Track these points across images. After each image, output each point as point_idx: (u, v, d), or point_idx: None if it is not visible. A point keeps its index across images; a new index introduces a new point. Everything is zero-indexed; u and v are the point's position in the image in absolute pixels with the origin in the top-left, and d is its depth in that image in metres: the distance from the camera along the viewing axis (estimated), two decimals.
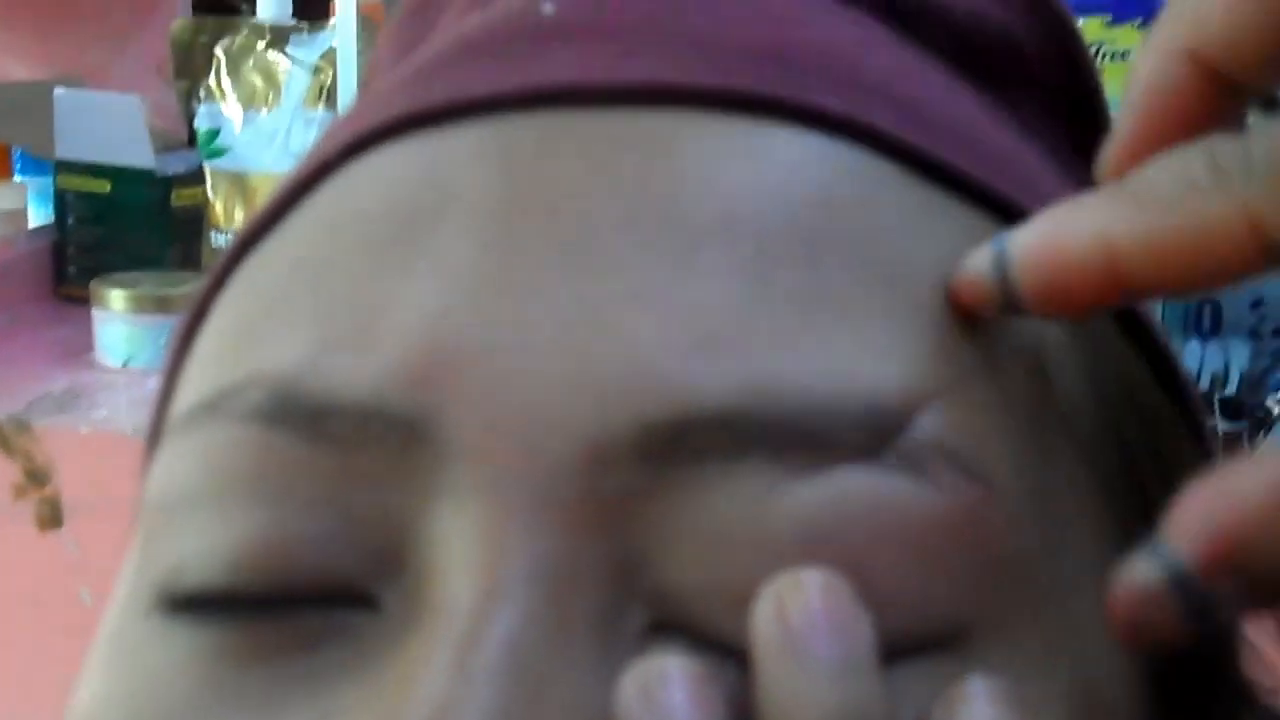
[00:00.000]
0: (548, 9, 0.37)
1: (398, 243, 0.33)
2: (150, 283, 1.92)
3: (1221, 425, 2.27)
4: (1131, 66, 0.32)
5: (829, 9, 0.39)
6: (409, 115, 0.35)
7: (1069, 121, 0.42)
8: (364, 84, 0.44)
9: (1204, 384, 1.51)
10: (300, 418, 0.32)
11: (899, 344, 0.32)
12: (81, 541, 1.46)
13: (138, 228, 2.14)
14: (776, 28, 0.37)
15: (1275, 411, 2.26)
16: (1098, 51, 1.72)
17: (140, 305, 1.90)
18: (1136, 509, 0.35)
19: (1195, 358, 1.50)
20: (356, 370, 0.31)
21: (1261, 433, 2.27)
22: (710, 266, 0.31)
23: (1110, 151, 0.32)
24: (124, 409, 1.65)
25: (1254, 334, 1.52)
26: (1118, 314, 0.37)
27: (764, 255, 0.32)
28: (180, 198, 2.17)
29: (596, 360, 0.31)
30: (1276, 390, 1.60)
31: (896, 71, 0.37)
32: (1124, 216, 0.30)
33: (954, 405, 0.32)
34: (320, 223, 0.35)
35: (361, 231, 0.34)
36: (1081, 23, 1.73)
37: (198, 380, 0.35)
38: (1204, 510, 0.29)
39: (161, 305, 1.79)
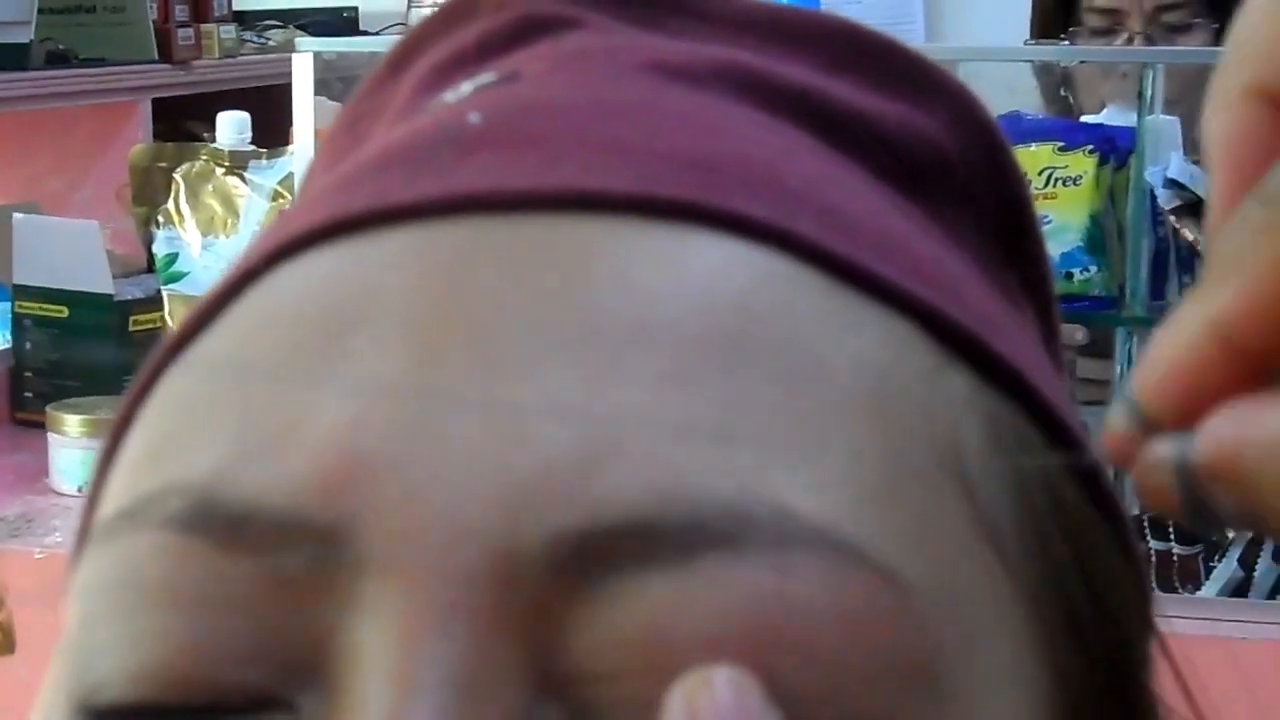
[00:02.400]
0: (474, 119, 0.37)
1: (317, 350, 0.33)
2: (107, 408, 1.91)
3: (1176, 549, 2.28)
4: (1206, 133, 0.32)
5: (755, 120, 0.39)
6: (332, 222, 0.35)
7: (998, 232, 0.42)
8: (295, 198, 0.45)
9: None
10: (217, 526, 0.32)
11: (813, 452, 0.32)
12: (34, 667, 1.45)
13: (95, 353, 2.13)
14: (701, 137, 0.37)
15: (1230, 535, 2.26)
16: (1049, 177, 1.74)
17: (96, 430, 1.90)
18: (1061, 623, 0.35)
19: None
20: (274, 479, 0.32)
21: (1216, 556, 2.28)
22: (627, 374, 0.32)
23: (1211, 220, 0.32)
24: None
25: None
26: (1048, 427, 0.37)
27: (682, 363, 0.32)
28: (138, 322, 2.17)
29: (509, 470, 0.31)
30: None
31: (821, 180, 0.37)
32: (1218, 294, 0.29)
33: (867, 512, 0.32)
34: (242, 330, 0.35)
35: (282, 338, 0.34)
36: (1033, 148, 1.75)
37: (120, 488, 0.35)
38: (1228, 421, 0.29)
39: None
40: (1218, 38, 2.38)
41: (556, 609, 0.31)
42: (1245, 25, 0.32)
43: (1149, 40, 2.38)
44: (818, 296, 0.34)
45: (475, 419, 0.31)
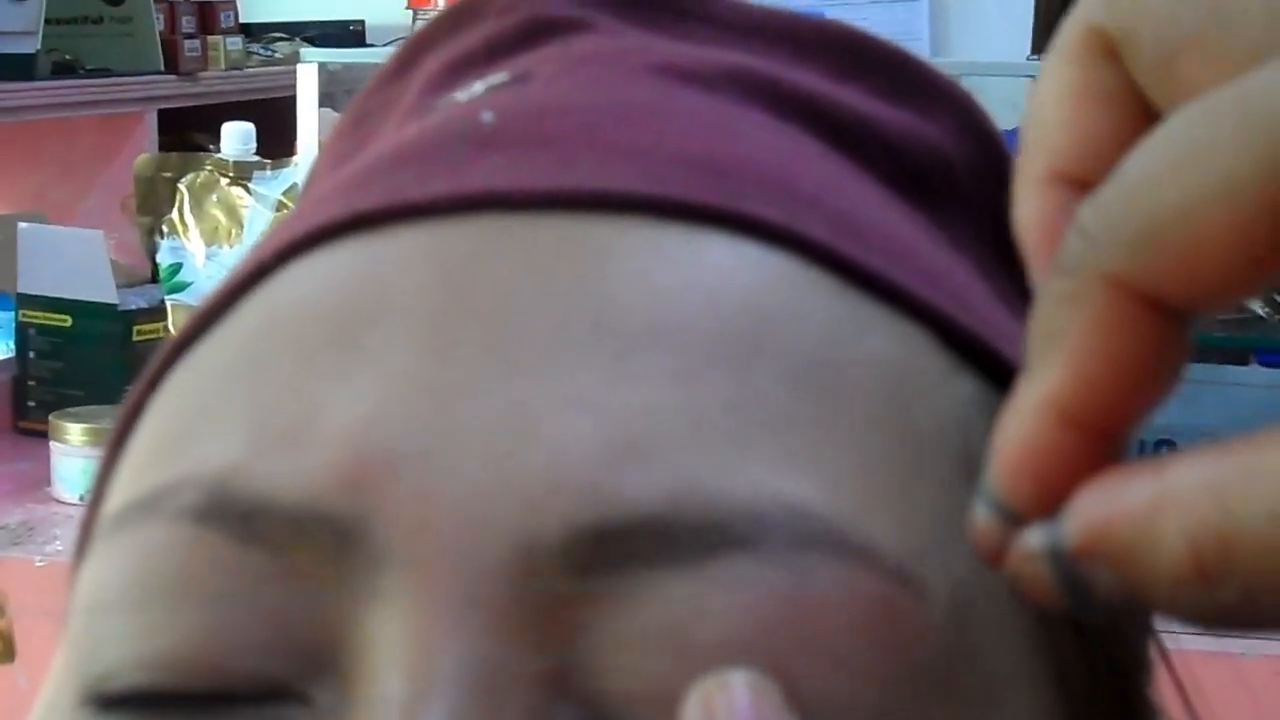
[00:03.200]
0: (487, 118, 0.37)
1: (332, 345, 0.33)
2: (110, 418, 1.91)
3: None
4: (1015, 220, 0.32)
5: (764, 124, 0.39)
6: (345, 219, 0.35)
7: (998, 241, 0.42)
8: (301, 196, 0.45)
9: None
10: (233, 518, 0.32)
11: (827, 453, 0.32)
12: (34, 675, 1.45)
13: (98, 362, 2.13)
14: (712, 140, 0.37)
15: None
16: None
17: (98, 439, 1.90)
18: (1064, 628, 0.35)
19: None
20: (290, 472, 0.32)
21: None
22: (641, 373, 0.32)
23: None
24: None
25: None
26: None
27: (695, 362, 0.32)
28: (142, 333, 2.17)
29: (526, 465, 0.31)
30: None
31: (829, 185, 0.38)
32: (1046, 375, 0.29)
33: (881, 513, 0.32)
34: (255, 325, 0.35)
35: (296, 333, 0.34)
36: None
37: (130, 481, 0.35)
38: (1093, 499, 0.29)
39: None
40: None
41: (573, 606, 0.31)
42: (1036, 109, 0.32)
43: None
44: (830, 299, 0.35)
45: (492, 414, 0.31)
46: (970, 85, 0.44)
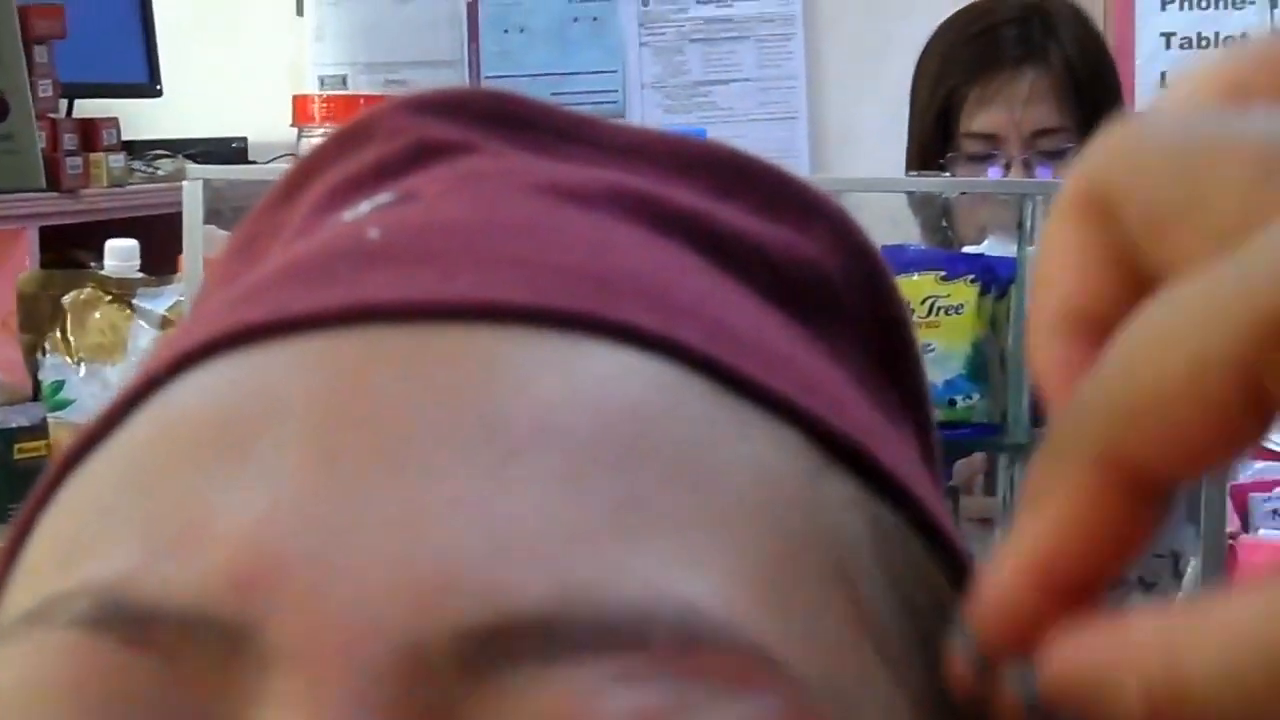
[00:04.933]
0: (373, 234, 0.39)
1: (223, 452, 0.34)
2: None
3: None
4: (1032, 369, 0.35)
5: (643, 238, 0.40)
6: (233, 332, 0.36)
7: (877, 353, 0.43)
8: (190, 314, 0.45)
9: None
10: (124, 624, 0.32)
11: (712, 553, 0.33)
12: None
13: None
14: (593, 253, 0.38)
15: None
16: (932, 305, 1.76)
17: None
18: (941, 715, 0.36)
19: None
20: (181, 577, 0.32)
21: None
22: (526, 475, 0.33)
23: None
24: None
25: None
26: (928, 535, 0.39)
27: (578, 465, 0.33)
28: (23, 450, 2.15)
29: (415, 567, 0.31)
30: None
31: (708, 296, 0.39)
32: (1031, 531, 0.32)
33: (764, 611, 0.33)
34: (146, 436, 0.36)
35: (187, 442, 0.35)
36: (916, 278, 1.77)
37: (22, 593, 0.35)
38: (1061, 651, 0.32)
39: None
40: None
41: (462, 704, 0.31)
42: (1043, 259, 0.35)
43: (1026, 165, 2.42)
44: (706, 404, 0.36)
45: (381, 517, 0.32)
46: (850, 202, 0.46)
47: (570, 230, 0.40)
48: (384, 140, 0.44)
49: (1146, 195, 0.32)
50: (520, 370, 0.35)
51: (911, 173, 2.45)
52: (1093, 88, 2.45)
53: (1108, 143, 0.33)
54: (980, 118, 2.44)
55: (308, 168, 0.46)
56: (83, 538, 0.35)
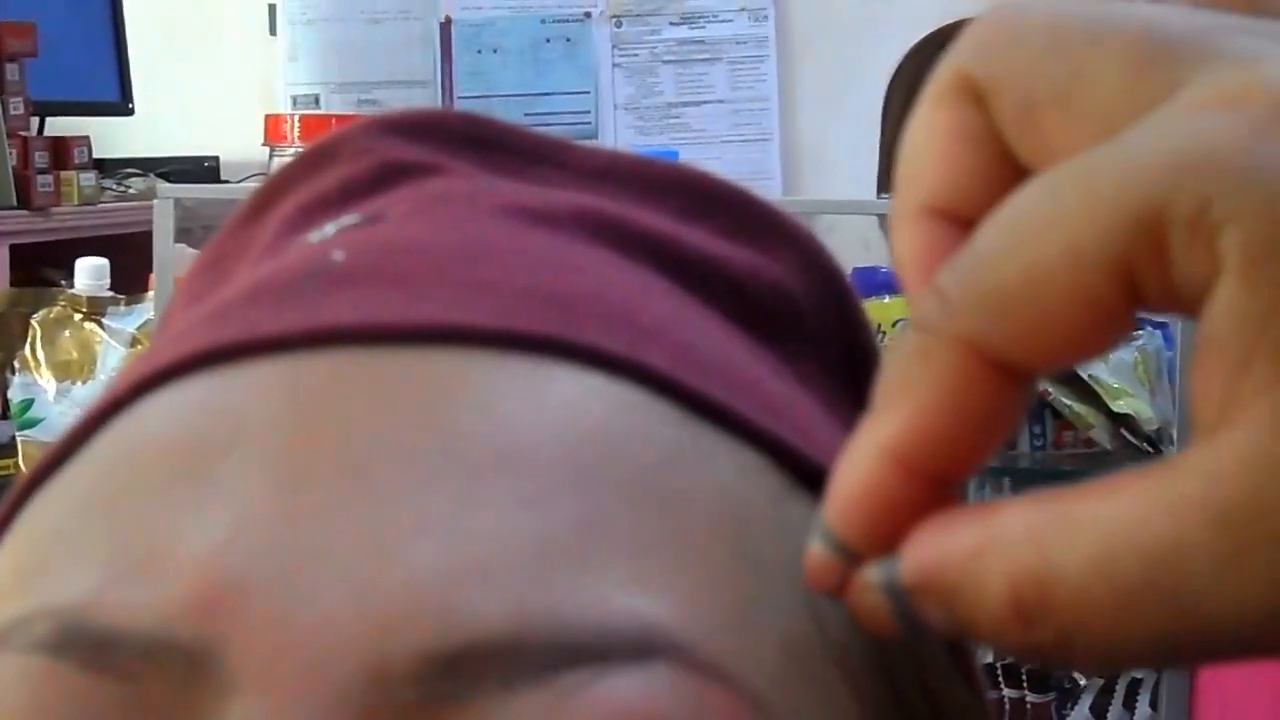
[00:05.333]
0: (338, 256, 0.38)
1: (186, 476, 0.34)
2: None
3: (1030, 696, 2.30)
4: (893, 253, 0.34)
5: (610, 261, 0.40)
6: (199, 353, 0.36)
7: (844, 376, 0.43)
8: (156, 334, 0.45)
9: None
10: (85, 649, 0.32)
11: (674, 575, 0.33)
12: None
13: None
14: (558, 275, 0.38)
15: (1082, 683, 2.29)
16: (903, 328, 1.77)
17: None
18: None
19: None
20: (142, 601, 0.32)
21: (1069, 704, 2.30)
22: (489, 498, 0.33)
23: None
24: None
25: None
26: None
27: (541, 488, 0.33)
28: None
29: (378, 590, 0.31)
30: None
31: (673, 319, 0.39)
32: (889, 421, 0.31)
33: (725, 632, 0.33)
34: (109, 459, 0.36)
35: (150, 466, 0.34)
36: (887, 300, 1.78)
37: None
38: (924, 541, 0.31)
39: None
40: None
41: None
42: (908, 149, 0.34)
43: None
44: (671, 427, 0.36)
45: (344, 541, 0.32)
46: (822, 225, 0.46)
47: (536, 252, 0.40)
48: (350, 161, 0.44)
49: (1021, 81, 0.32)
50: (485, 393, 0.35)
51: (884, 195, 2.46)
52: None
53: (982, 29, 0.33)
54: None
55: (275, 187, 0.46)
56: (44, 560, 0.34)
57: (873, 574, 0.32)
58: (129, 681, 0.32)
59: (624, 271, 0.40)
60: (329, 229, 0.41)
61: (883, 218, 2.35)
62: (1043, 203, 0.30)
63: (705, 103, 3.74)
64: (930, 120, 0.34)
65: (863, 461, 0.32)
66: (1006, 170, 0.32)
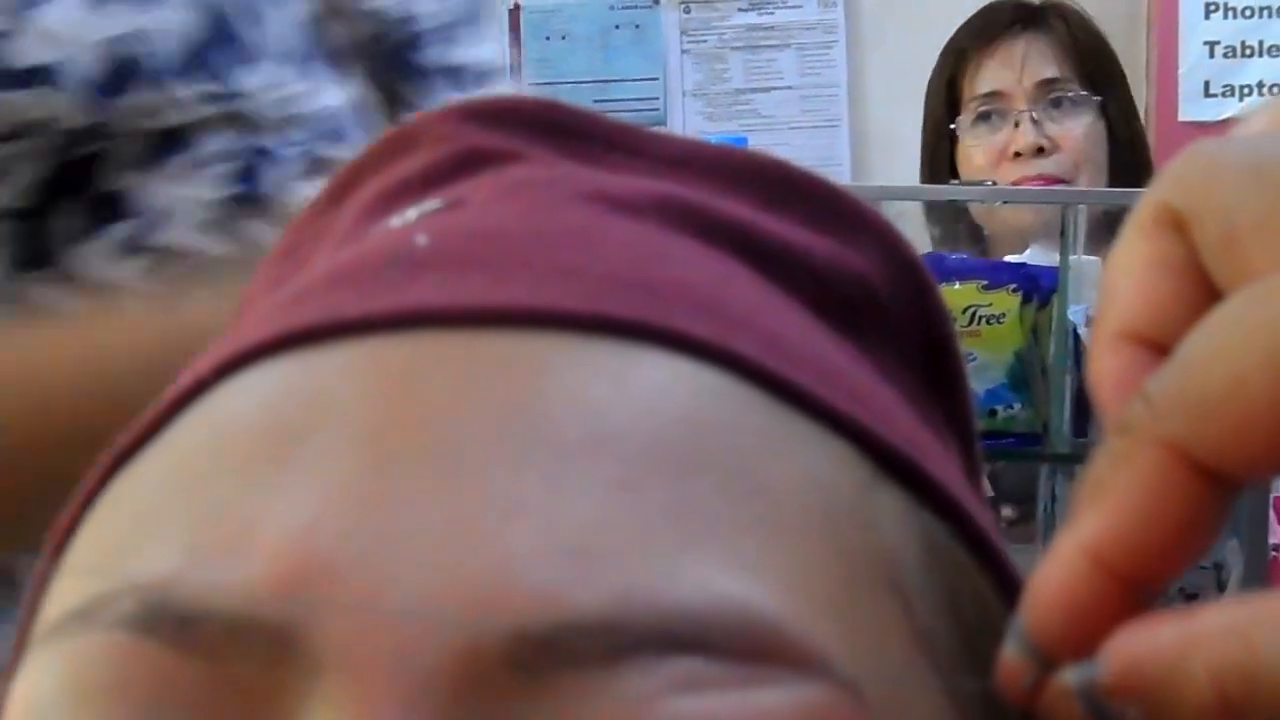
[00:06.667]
0: (421, 240, 0.38)
1: (271, 458, 0.34)
2: None
3: None
4: (1092, 377, 0.35)
5: (693, 249, 0.40)
6: (283, 335, 0.36)
7: (923, 368, 0.43)
8: (235, 319, 0.45)
9: None
10: (170, 627, 0.32)
11: (768, 562, 0.33)
12: None
13: None
14: (644, 262, 0.38)
15: None
16: (973, 315, 1.76)
17: None
18: None
19: None
20: (228, 579, 0.32)
21: None
22: (580, 482, 0.33)
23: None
24: None
25: None
26: (973, 543, 0.38)
27: (633, 471, 0.33)
28: None
29: (468, 572, 0.31)
30: None
31: (757, 307, 0.39)
32: (1090, 524, 0.32)
33: (821, 621, 0.33)
34: (194, 437, 0.36)
35: (235, 445, 0.34)
36: (958, 286, 1.77)
37: (66, 592, 0.35)
38: (1126, 640, 0.31)
39: None
40: (1102, 112, 2.43)
41: (518, 710, 0.31)
42: (1110, 276, 0.35)
43: (1036, 124, 2.42)
44: (760, 414, 0.36)
45: (432, 523, 0.32)
46: (890, 211, 0.46)
47: (620, 239, 0.39)
48: (432, 147, 0.44)
49: (1222, 211, 0.32)
50: (573, 377, 0.35)
51: (954, 181, 2.45)
52: (1094, 54, 2.46)
53: (1184, 164, 0.34)
54: (984, 78, 2.46)
55: (354, 172, 0.46)
56: (128, 538, 0.35)
57: (1070, 677, 0.32)
58: (214, 660, 0.32)
59: (708, 259, 0.40)
60: (411, 214, 0.41)
61: (928, 205, 2.35)
62: (1245, 312, 0.30)
63: (774, 89, 3.73)
64: (1132, 249, 0.34)
65: (1063, 565, 0.32)
66: (1205, 298, 0.33)
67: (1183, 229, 0.33)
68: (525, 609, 0.31)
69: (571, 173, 0.43)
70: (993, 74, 2.46)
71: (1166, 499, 0.31)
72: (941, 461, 0.40)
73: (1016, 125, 2.42)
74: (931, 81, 2.55)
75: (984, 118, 2.45)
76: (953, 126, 2.46)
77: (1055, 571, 0.32)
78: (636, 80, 3.82)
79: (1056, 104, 2.43)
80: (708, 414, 0.35)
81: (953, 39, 2.54)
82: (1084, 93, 2.43)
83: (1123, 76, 2.51)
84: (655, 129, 0.45)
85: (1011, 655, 0.33)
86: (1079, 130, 2.41)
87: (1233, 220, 0.32)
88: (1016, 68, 2.44)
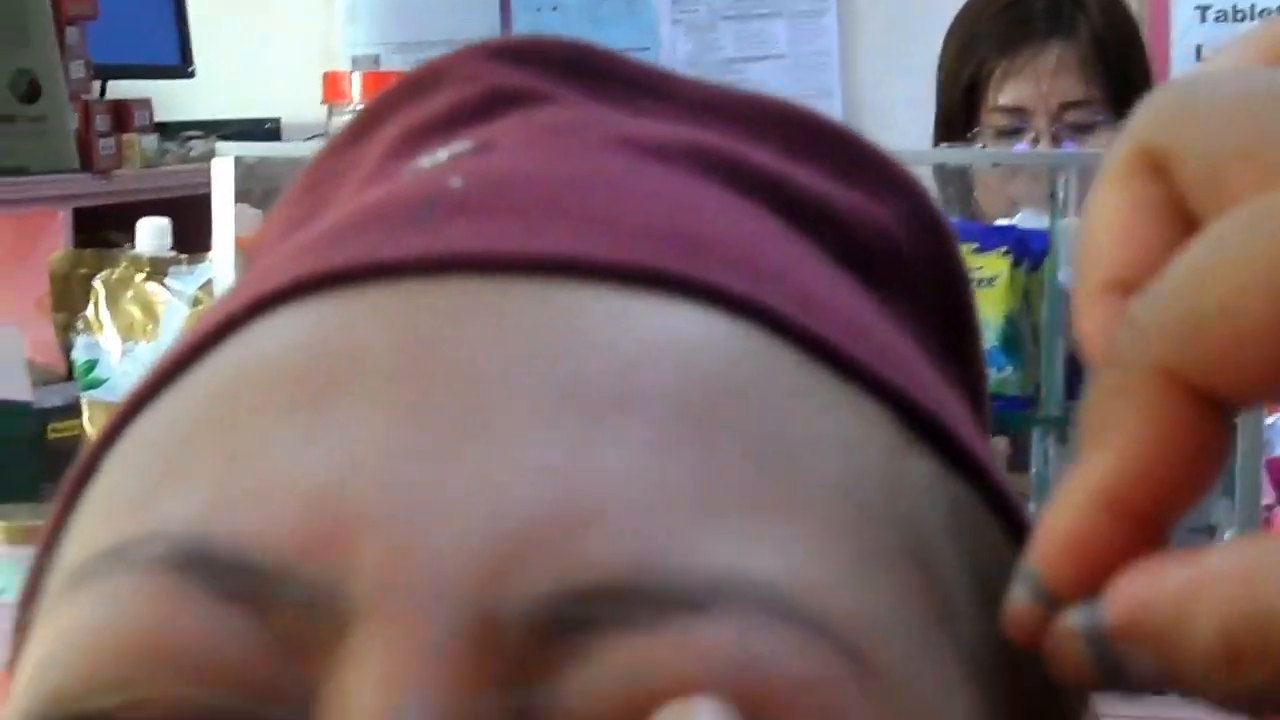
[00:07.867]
0: (455, 183, 0.38)
1: (304, 405, 0.33)
2: (25, 515, 1.90)
3: None
4: (1078, 332, 0.34)
5: (724, 199, 0.40)
6: (315, 276, 0.36)
7: (940, 327, 0.43)
8: (249, 259, 0.45)
9: None
10: (213, 571, 0.32)
11: (786, 530, 0.33)
12: None
13: (13, 461, 2.12)
14: (678, 212, 0.38)
15: None
16: None
17: (14, 537, 1.89)
18: (1010, 711, 0.36)
19: None
20: (260, 530, 0.32)
21: None
22: (609, 440, 0.32)
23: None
24: None
25: None
26: (1001, 511, 0.38)
27: (662, 432, 0.33)
28: (56, 430, 2.16)
29: (493, 529, 0.31)
30: None
31: (792, 262, 0.38)
32: (1096, 463, 0.31)
33: (835, 589, 0.32)
34: (224, 381, 0.35)
35: (267, 392, 0.34)
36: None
37: (91, 535, 0.35)
38: (1132, 583, 0.31)
39: (36, 537, 1.76)
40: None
41: (536, 663, 0.31)
42: (1089, 226, 0.34)
43: (1054, 139, 2.41)
44: (793, 374, 0.35)
45: (461, 480, 0.32)
46: None
47: (653, 188, 0.39)
48: (458, 85, 0.43)
49: (1204, 143, 0.32)
50: (608, 330, 0.34)
51: (943, 145, 2.44)
52: (1121, 61, 2.45)
53: (1156, 103, 0.33)
54: (1008, 91, 2.44)
55: (376, 111, 0.45)
56: (157, 482, 0.34)
57: (1075, 619, 0.31)
58: (257, 608, 0.32)
59: (740, 210, 0.40)
60: (441, 154, 0.41)
61: (938, 168, 2.34)
62: (1236, 231, 0.30)
63: (766, 58, 3.73)
64: (1109, 198, 0.34)
65: (1072, 507, 0.31)
66: (1190, 237, 0.32)
67: (1162, 170, 0.33)
68: (547, 571, 0.31)
69: (600, 116, 0.42)
70: (1017, 90, 2.44)
71: (1172, 428, 0.31)
72: (964, 423, 0.39)
73: (1035, 141, 2.41)
74: (946, 73, 2.52)
75: (1003, 133, 2.43)
76: (969, 137, 2.43)
77: (1064, 511, 0.32)
78: (628, 51, 3.81)
79: (1077, 127, 2.42)
80: (741, 374, 0.34)
81: (974, 30, 2.50)
82: (1103, 118, 2.41)
83: (1148, 76, 2.49)
84: (680, 73, 0.45)
85: (1020, 597, 0.32)
86: None
87: (1216, 152, 0.32)
88: (1042, 83, 2.42)
